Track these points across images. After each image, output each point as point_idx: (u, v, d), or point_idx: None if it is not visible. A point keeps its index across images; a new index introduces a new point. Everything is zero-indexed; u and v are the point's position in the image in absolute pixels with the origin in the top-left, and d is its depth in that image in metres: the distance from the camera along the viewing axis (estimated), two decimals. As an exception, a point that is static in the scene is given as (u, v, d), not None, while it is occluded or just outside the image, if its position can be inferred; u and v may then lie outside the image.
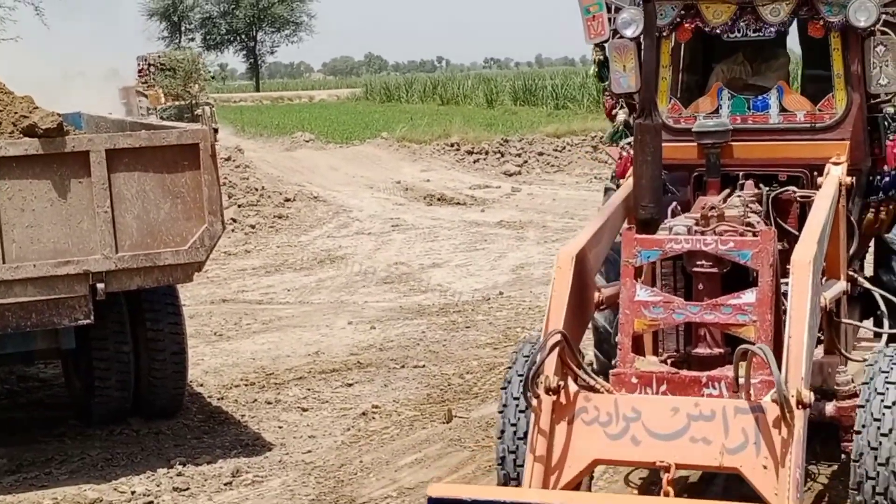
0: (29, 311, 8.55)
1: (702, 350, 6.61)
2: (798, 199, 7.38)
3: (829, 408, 6.77)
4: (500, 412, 6.88)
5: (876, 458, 5.99)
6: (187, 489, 8.45)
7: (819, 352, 7.12)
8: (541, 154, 29.95)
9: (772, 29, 7.77)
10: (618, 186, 8.04)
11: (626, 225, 7.08)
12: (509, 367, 7.02)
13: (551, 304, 6.37)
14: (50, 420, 10.28)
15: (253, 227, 21.28)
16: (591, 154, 28.06)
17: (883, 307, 7.71)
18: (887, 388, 6.13)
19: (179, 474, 8.69)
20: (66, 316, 8.70)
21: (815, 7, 7.56)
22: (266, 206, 22.73)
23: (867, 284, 7.94)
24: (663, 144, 6.97)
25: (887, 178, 8.21)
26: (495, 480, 6.99)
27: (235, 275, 17.34)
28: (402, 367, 11.56)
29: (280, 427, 9.86)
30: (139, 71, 37.91)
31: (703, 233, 6.54)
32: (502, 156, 29.94)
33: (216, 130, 9.16)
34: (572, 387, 6.09)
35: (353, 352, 12.31)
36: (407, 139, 32.71)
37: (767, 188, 7.49)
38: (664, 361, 6.63)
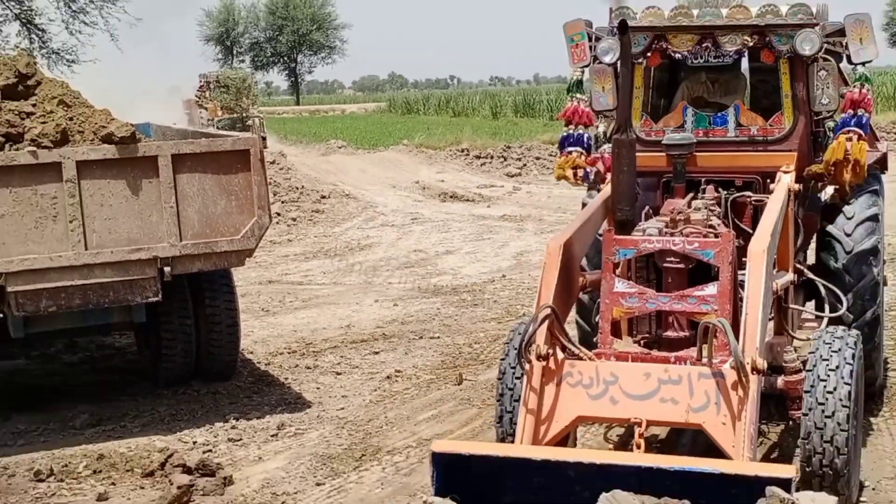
0: (107, 290, 8.59)
1: (671, 333, 6.68)
2: (752, 202, 7.41)
3: (779, 381, 6.80)
4: (499, 379, 6.96)
5: (822, 415, 6.05)
6: (240, 440, 8.52)
7: (769, 333, 7.16)
8: (538, 158, 29.93)
9: (729, 56, 7.79)
10: (598, 191, 8.06)
11: (605, 226, 7.13)
12: (507, 343, 7.08)
13: (542, 285, 6.43)
14: (124, 382, 10.35)
15: (294, 219, 21.35)
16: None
17: (824, 293, 7.74)
18: (828, 375, 6.16)
19: (233, 427, 8.79)
20: (138, 294, 8.73)
21: (767, 38, 7.58)
22: (305, 202, 22.76)
23: (811, 275, 7.93)
24: (636, 154, 7.01)
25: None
26: (495, 438, 7.08)
27: (279, 260, 17.39)
28: (421, 338, 11.62)
29: (317, 388, 9.93)
30: (199, 87, 37.87)
31: (671, 234, 6.61)
32: (505, 160, 29.92)
33: (264, 139, 9.14)
34: (559, 354, 6.18)
35: (379, 325, 12.36)
36: (424, 146, 32.67)
37: (726, 192, 7.52)
38: (638, 343, 6.72)
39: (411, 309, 13.18)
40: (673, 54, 7.82)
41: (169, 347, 9.85)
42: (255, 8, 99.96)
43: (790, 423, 7.12)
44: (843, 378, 6.10)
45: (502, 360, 6.98)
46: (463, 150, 31.54)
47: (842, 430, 5.97)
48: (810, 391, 6.11)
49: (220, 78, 38.81)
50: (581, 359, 6.29)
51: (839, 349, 6.27)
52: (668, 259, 6.60)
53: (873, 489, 6.84)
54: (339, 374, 10.40)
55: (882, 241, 8.18)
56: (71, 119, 8.81)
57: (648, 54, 7.83)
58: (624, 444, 7.75)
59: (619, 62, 7.51)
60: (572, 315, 7.82)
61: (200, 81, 38.69)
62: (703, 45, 7.72)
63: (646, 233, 6.67)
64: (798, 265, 7.84)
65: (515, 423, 6.14)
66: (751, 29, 7.59)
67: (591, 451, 6.42)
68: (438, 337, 11.61)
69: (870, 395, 8.00)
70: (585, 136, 8.27)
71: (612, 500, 4.67)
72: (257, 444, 8.42)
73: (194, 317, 9.83)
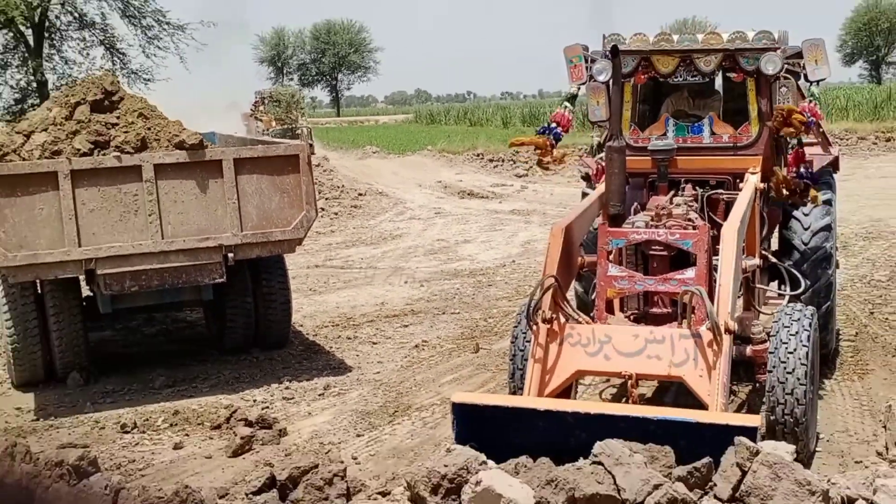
0: (180, 272, 8.65)
1: (656, 310, 6.77)
2: (724, 198, 7.44)
3: (748, 350, 6.84)
4: (512, 342, 7.05)
5: (784, 379, 6.08)
6: (292, 398, 8.58)
7: (739, 308, 7.19)
8: (542, 161, 29.90)
9: (705, 75, 7.78)
10: (593, 188, 8.10)
11: (599, 219, 7.17)
12: (518, 314, 7.14)
13: (547, 260, 6.53)
14: (194, 350, 10.41)
15: (336, 213, 21.38)
16: (578, 161, 27.91)
17: (785, 276, 7.76)
18: (789, 339, 6.21)
19: (287, 388, 8.84)
20: (206, 276, 8.77)
21: (736, 60, 7.57)
22: (345, 199, 22.78)
23: (774, 259, 7.97)
24: (626, 158, 7.05)
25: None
26: (507, 392, 7.15)
27: (324, 248, 17.42)
28: (443, 313, 11.62)
29: (357, 355, 9.97)
30: (255, 102, 37.91)
31: (656, 226, 6.65)
32: (514, 163, 29.82)
33: (312, 146, 9.16)
34: (562, 319, 6.27)
35: (408, 302, 12.37)
36: (445, 151, 32.66)
37: (702, 190, 7.54)
38: (628, 318, 6.77)
39: (435, 289, 13.18)
40: (657, 74, 7.83)
41: (232, 321, 9.94)
42: (301, 34, 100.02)
43: (757, 385, 7.15)
44: (801, 342, 6.17)
45: (515, 327, 7.08)
46: (478, 155, 31.52)
47: (801, 384, 6.03)
48: (774, 352, 6.18)
49: (273, 94, 38.85)
50: (580, 322, 6.41)
51: (798, 319, 6.34)
52: (653, 248, 6.68)
53: (827, 440, 6.86)
54: (374, 343, 10.43)
55: (834, 223, 8.27)
56: (149, 129, 8.86)
57: (636, 73, 7.83)
58: (617, 400, 7.79)
59: (611, 81, 7.57)
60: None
61: (256, 97, 38.76)
62: (683, 65, 7.70)
63: (634, 225, 6.73)
64: (763, 251, 7.87)
65: (524, 379, 6.22)
66: (723, 52, 7.58)
67: (587, 403, 6.47)
68: (458, 312, 11.62)
69: (824, 359, 8.03)
70: (557, 130, 8.22)
71: (605, 447, 4.70)
72: (307, 402, 8.48)
73: (253, 295, 9.89)
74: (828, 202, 8.19)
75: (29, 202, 8.13)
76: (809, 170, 7.89)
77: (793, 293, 7.49)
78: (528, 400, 5.89)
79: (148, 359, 10.15)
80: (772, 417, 6.11)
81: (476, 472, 4.83)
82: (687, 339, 5.92)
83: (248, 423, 7.57)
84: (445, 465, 4.89)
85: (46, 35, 24.33)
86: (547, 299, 6.23)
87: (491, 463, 4.99)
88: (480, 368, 9.16)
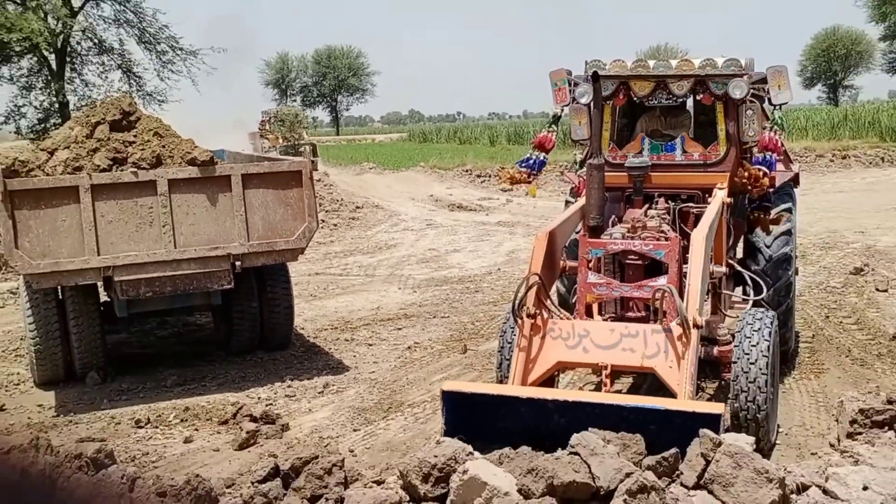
0: (191, 279, 8.66)
1: (631, 314, 6.87)
2: (694, 211, 7.49)
3: (715, 350, 6.92)
4: (501, 336, 7.12)
5: (747, 377, 6.14)
6: (294, 395, 8.60)
7: (707, 312, 7.25)
8: (526, 177, 29.93)
9: (678, 98, 7.83)
10: (575, 200, 8.16)
11: (581, 231, 7.24)
12: (507, 312, 7.18)
13: (532, 261, 6.61)
14: (204, 351, 10.40)
15: (335, 225, 21.37)
16: (559, 177, 27.93)
17: (749, 282, 7.83)
18: (752, 335, 6.28)
19: (289, 386, 8.85)
20: (215, 283, 8.79)
21: (707, 84, 7.62)
22: (343, 212, 22.78)
23: (738, 267, 8.04)
24: (605, 174, 7.11)
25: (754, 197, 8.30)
26: (495, 381, 7.18)
27: (324, 256, 17.42)
28: (434, 317, 11.65)
29: (354, 356, 9.97)
30: (262, 121, 37.91)
31: (632, 238, 6.72)
32: (501, 178, 29.89)
33: (313, 162, 9.17)
34: (545, 314, 6.35)
35: (402, 307, 12.38)
36: (436, 167, 32.70)
37: (674, 204, 7.59)
38: (605, 321, 6.83)
39: (427, 295, 13.20)
40: (634, 96, 7.88)
41: (239, 324, 9.96)
42: (304, 59, 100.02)
43: (723, 382, 7.22)
44: (763, 342, 6.25)
45: (504, 322, 7.14)
46: (467, 171, 31.56)
47: (762, 381, 6.12)
48: (738, 352, 6.26)
49: (278, 114, 38.91)
50: (561, 318, 6.49)
51: (760, 321, 6.42)
52: (629, 257, 6.76)
53: (786, 434, 6.91)
54: (370, 345, 10.44)
55: (794, 229, 8.40)
56: (163, 147, 8.88)
57: (615, 96, 7.89)
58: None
59: (592, 103, 7.63)
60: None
61: (263, 116, 38.78)
62: (658, 89, 7.75)
63: (612, 237, 6.80)
64: (729, 260, 7.93)
65: (510, 369, 6.30)
66: (694, 77, 7.63)
67: (566, 391, 6.50)
68: (448, 316, 11.64)
69: (784, 356, 8.10)
70: (540, 160, 8.32)
71: (581, 439, 4.74)
72: (308, 399, 8.50)
73: (259, 300, 9.91)
74: (788, 210, 8.32)
75: (52, 214, 8.15)
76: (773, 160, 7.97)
77: (756, 298, 7.55)
78: (512, 388, 5.96)
79: (160, 359, 10.15)
80: (735, 404, 6.18)
81: (463, 462, 4.86)
82: (658, 334, 5.99)
83: (254, 419, 7.59)
84: (435, 456, 4.93)
85: (68, 59, 24.33)
86: (531, 296, 6.31)
87: (477, 454, 5.03)
88: (468, 368, 9.19)
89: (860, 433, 6.08)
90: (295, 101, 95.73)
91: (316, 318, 11.85)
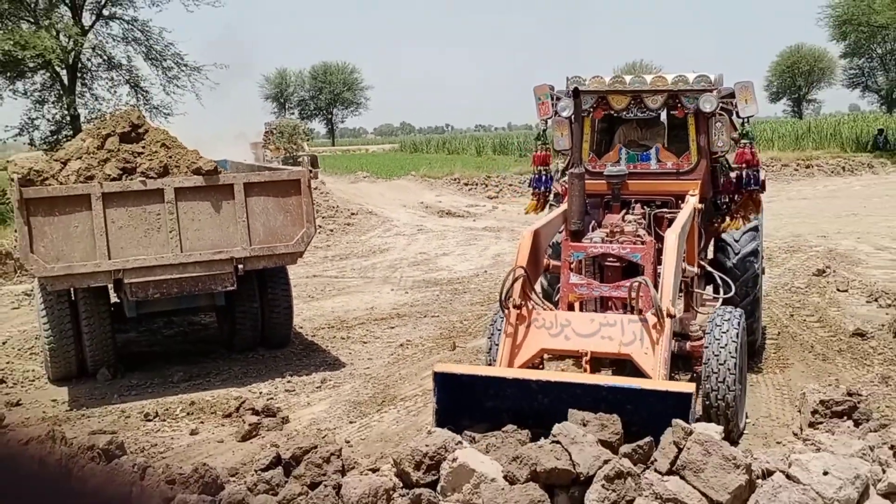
0: (196, 281, 8.66)
1: (610, 312, 6.87)
2: (668, 216, 7.55)
3: (687, 345, 6.96)
4: (490, 325, 7.14)
5: (716, 378, 6.20)
6: (293, 390, 8.60)
7: (679, 310, 7.30)
8: (510, 185, 29.90)
9: (652, 111, 7.89)
10: (559, 205, 8.21)
11: (563, 235, 7.28)
12: (496, 312, 7.22)
13: (518, 256, 6.66)
14: (208, 349, 10.41)
15: (331, 230, 21.31)
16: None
17: (719, 282, 7.89)
18: (722, 330, 6.34)
19: (289, 381, 8.85)
20: (219, 285, 8.78)
21: (679, 99, 7.69)
22: (339, 218, 22.73)
23: (709, 268, 8.09)
24: (585, 182, 7.15)
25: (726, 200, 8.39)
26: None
27: (321, 260, 17.41)
28: (425, 316, 11.66)
29: (350, 353, 9.98)
30: (264, 133, 37.81)
31: (611, 241, 6.77)
32: (486, 186, 29.89)
33: (310, 170, 9.15)
34: (530, 305, 6.40)
35: (395, 307, 12.39)
36: (427, 176, 32.65)
37: (649, 209, 7.65)
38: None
39: (418, 296, 13.22)
40: (612, 110, 7.94)
41: (241, 323, 9.95)
42: (301, 74, 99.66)
43: (694, 374, 7.26)
44: (731, 338, 6.30)
45: (495, 313, 7.16)
46: (455, 179, 31.53)
47: (731, 373, 6.18)
48: (708, 347, 6.31)
49: (278, 126, 38.83)
50: (545, 309, 6.53)
51: (729, 318, 6.46)
52: (608, 259, 6.82)
53: (753, 424, 6.96)
54: (365, 343, 10.45)
55: (761, 227, 8.51)
56: (170, 157, 8.87)
57: (594, 110, 7.94)
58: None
59: (573, 116, 7.69)
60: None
61: (265, 128, 38.71)
62: (634, 103, 7.81)
63: (592, 241, 6.85)
64: (700, 261, 8.00)
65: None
66: (667, 92, 7.69)
67: (549, 372, 6.54)
68: (438, 316, 11.66)
69: (751, 354, 8.16)
70: (546, 175, 8.47)
71: (563, 429, 4.78)
72: (306, 394, 8.51)
73: (260, 301, 9.91)
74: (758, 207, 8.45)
75: (65, 220, 8.15)
76: (756, 175, 8.09)
77: (725, 296, 7.61)
78: (499, 370, 6.03)
79: (167, 357, 10.15)
80: (707, 401, 6.23)
81: (453, 451, 4.90)
82: (635, 323, 6.04)
83: (255, 412, 7.59)
84: (427, 445, 4.96)
85: (79, 75, 24.22)
86: (517, 288, 6.36)
87: (465, 442, 5.07)
88: (457, 364, 9.20)
89: (821, 423, 6.15)
90: (293, 113, 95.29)
91: (314, 318, 11.86)
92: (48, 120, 24.59)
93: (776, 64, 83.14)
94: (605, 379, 5.62)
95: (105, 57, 24.90)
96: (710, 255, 8.53)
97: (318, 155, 38.05)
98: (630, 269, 6.80)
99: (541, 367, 6.85)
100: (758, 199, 8.25)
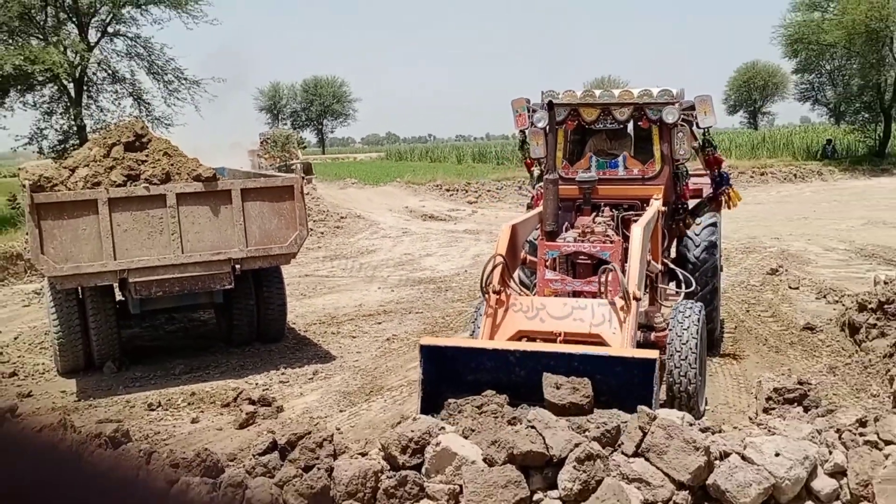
0: (196, 280, 8.66)
1: None
2: (634, 219, 7.61)
3: (652, 335, 7.01)
4: (475, 311, 7.16)
5: (679, 357, 6.27)
6: (287, 381, 8.60)
7: (645, 303, 7.36)
8: (488, 191, 29.91)
9: (620, 122, 7.96)
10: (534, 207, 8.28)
11: (539, 235, 7.33)
12: (476, 309, 7.24)
13: (498, 245, 6.73)
14: (207, 343, 10.40)
15: (322, 233, 21.26)
16: (518, 191, 28.08)
17: (681, 277, 7.97)
18: (682, 331, 6.40)
19: (283, 373, 8.85)
20: (217, 283, 8.79)
21: (644, 111, 7.76)
22: (329, 221, 22.68)
23: (672, 265, 8.18)
24: (559, 188, 7.21)
25: (685, 204, 8.50)
26: None
27: (312, 260, 17.38)
28: (409, 312, 11.67)
29: (340, 347, 9.99)
30: (261, 142, 37.60)
31: (582, 241, 6.82)
32: (466, 192, 29.84)
33: (310, 179, 9.10)
34: (508, 291, 6.46)
35: (381, 304, 12.40)
36: (411, 182, 32.57)
37: (617, 212, 7.72)
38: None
39: (403, 293, 13.24)
40: (583, 121, 7.99)
41: (238, 319, 9.94)
42: (294, 87, 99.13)
43: (660, 363, 7.33)
44: (692, 330, 6.37)
45: (475, 310, 7.20)
46: (438, 185, 31.46)
47: (692, 363, 6.23)
48: (671, 338, 6.38)
49: (272, 136, 38.65)
50: (521, 294, 6.64)
51: (690, 311, 6.53)
52: (580, 257, 6.85)
53: (712, 410, 7.02)
54: (354, 337, 10.46)
55: (720, 224, 8.61)
56: (172, 164, 8.87)
57: (567, 121, 8.00)
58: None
59: (547, 127, 7.74)
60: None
61: (261, 138, 38.52)
62: (603, 115, 7.88)
63: (565, 240, 6.90)
64: (664, 259, 8.07)
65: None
66: (633, 105, 7.76)
67: (525, 343, 6.61)
68: (422, 312, 11.67)
69: (711, 345, 8.23)
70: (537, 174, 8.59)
71: (537, 414, 4.81)
72: (299, 385, 8.52)
73: (256, 298, 9.90)
74: (714, 218, 8.54)
75: (74, 224, 8.12)
76: (726, 174, 8.24)
77: (687, 291, 7.70)
78: (480, 342, 6.09)
79: (169, 351, 10.12)
80: (670, 385, 6.29)
81: (436, 436, 4.92)
82: (604, 306, 6.11)
83: (252, 402, 7.60)
84: (412, 431, 4.98)
85: (85, 88, 24.03)
86: (496, 275, 6.42)
87: (448, 427, 5.09)
88: (439, 356, 9.22)
89: (774, 409, 6.21)
90: (286, 124, 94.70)
91: (306, 314, 11.85)
92: (56, 130, 24.39)
93: (733, 79, 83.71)
94: (577, 348, 5.68)
95: (110, 71, 24.72)
96: (673, 254, 8.61)
97: (310, 162, 37.80)
98: (599, 266, 6.86)
99: None
100: (719, 202, 8.42)
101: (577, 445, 4.57)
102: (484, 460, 4.74)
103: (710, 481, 4.62)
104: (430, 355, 5.79)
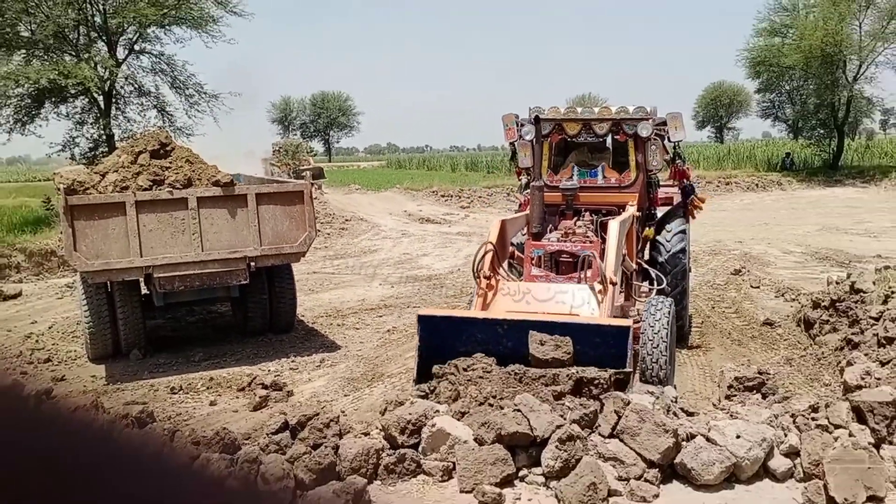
0: (215, 276, 8.65)
1: None
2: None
3: None
4: (469, 300, 7.18)
5: (651, 357, 6.30)
6: (297, 369, 8.59)
7: (621, 299, 7.40)
8: (480, 197, 29.89)
9: (599, 136, 8.00)
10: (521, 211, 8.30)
11: (526, 236, 7.37)
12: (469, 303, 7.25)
13: (490, 235, 6.76)
14: (225, 333, 10.39)
15: (328, 234, 21.20)
16: (506, 198, 28.10)
17: (653, 276, 8.01)
18: (654, 323, 6.43)
19: (293, 361, 8.84)
20: (234, 279, 8.77)
21: (621, 126, 7.80)
22: (335, 223, 22.62)
23: (644, 265, 8.22)
24: (544, 194, 7.26)
25: (656, 210, 8.56)
26: None
27: (320, 259, 17.34)
28: (408, 306, 11.64)
29: (344, 337, 9.98)
30: (274, 151, 37.51)
31: (565, 241, 6.86)
32: (460, 198, 29.82)
33: (321, 186, 9.07)
34: (497, 277, 6.49)
35: (382, 299, 12.39)
36: (410, 188, 32.51)
37: (597, 216, 7.76)
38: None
39: (402, 289, 13.23)
40: (566, 135, 8.03)
41: (253, 312, 9.94)
42: (303, 101, 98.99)
43: (633, 351, 7.35)
44: (663, 324, 6.38)
45: (468, 303, 7.21)
46: (434, 192, 31.41)
47: (662, 353, 6.26)
48: (644, 329, 6.40)
49: (284, 145, 38.59)
50: (508, 280, 6.67)
51: (661, 307, 6.55)
52: (562, 255, 6.90)
53: (681, 397, 7.01)
54: (357, 329, 10.45)
55: (688, 231, 8.61)
56: (193, 171, 8.85)
57: (552, 134, 8.03)
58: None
59: (534, 139, 7.78)
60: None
61: (274, 147, 38.46)
62: (584, 129, 7.92)
63: (550, 240, 6.95)
64: (638, 260, 8.11)
65: None
66: (611, 120, 7.81)
67: (512, 313, 6.65)
68: (419, 306, 11.51)
69: (680, 338, 8.27)
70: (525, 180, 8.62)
71: (523, 399, 4.84)
72: (308, 371, 8.52)
73: (269, 293, 9.89)
74: (684, 225, 8.55)
75: (104, 224, 8.12)
76: (690, 183, 8.33)
77: (658, 288, 7.74)
78: (471, 313, 6.15)
79: (190, 340, 10.11)
80: (643, 371, 6.31)
81: (432, 418, 4.96)
82: (584, 290, 6.16)
83: (265, 387, 7.61)
84: (410, 413, 5.02)
85: (113, 100, 23.97)
86: (487, 261, 6.45)
87: (442, 409, 5.13)
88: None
89: (735, 395, 6.27)
90: (295, 134, 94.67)
91: (314, 308, 11.84)
92: (87, 138, 24.31)
93: (702, 97, 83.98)
94: (559, 317, 5.74)
95: (136, 85, 24.65)
96: (647, 255, 8.66)
97: (321, 167, 37.73)
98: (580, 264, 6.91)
99: None
100: (691, 208, 8.45)
101: (558, 427, 4.62)
102: (475, 440, 4.78)
103: (677, 460, 4.67)
104: (427, 325, 5.83)
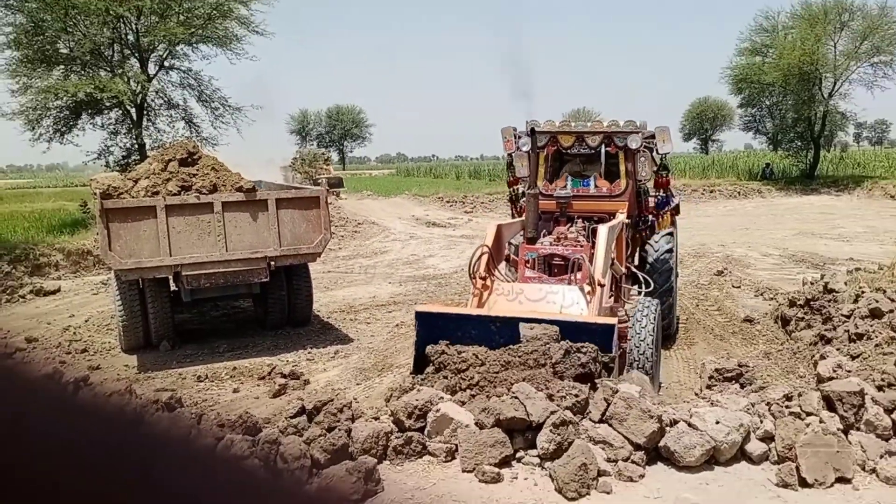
0: (238, 274, 8.68)
1: None
2: None
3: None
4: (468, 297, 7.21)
5: (638, 351, 6.31)
6: (313, 360, 8.61)
7: (611, 301, 7.43)
8: (482, 203, 29.91)
9: (592, 148, 8.01)
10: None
11: (522, 240, 7.39)
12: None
13: (486, 238, 6.76)
14: (247, 327, 10.40)
15: (342, 236, 21.18)
16: (507, 203, 28.09)
17: (642, 280, 8.03)
18: (641, 318, 6.44)
19: (309, 352, 8.86)
20: (255, 277, 8.80)
21: (612, 138, 7.81)
22: (348, 227, 22.62)
23: (634, 269, 8.23)
24: (539, 202, 7.28)
25: (649, 217, 8.55)
26: None
27: (334, 259, 17.36)
28: (415, 303, 11.50)
29: (356, 331, 10.00)
30: (292, 160, 37.50)
31: (557, 245, 6.87)
32: (464, 203, 29.84)
33: (329, 189, 9.06)
34: (492, 278, 6.49)
35: (391, 296, 12.41)
36: (417, 195, 32.55)
37: (589, 223, 7.77)
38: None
39: (410, 288, 13.24)
40: (560, 146, 8.04)
41: (272, 307, 9.97)
42: (319, 114, 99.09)
43: (621, 351, 7.37)
44: (650, 323, 6.39)
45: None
46: (440, 198, 31.43)
47: (649, 349, 6.26)
48: (633, 328, 6.41)
49: (302, 154, 38.59)
50: (503, 281, 6.70)
51: (648, 307, 6.56)
52: (555, 258, 6.91)
53: (666, 387, 7.05)
54: (368, 323, 10.48)
55: (676, 235, 8.68)
56: (218, 177, 8.89)
57: (547, 146, 8.04)
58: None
59: (530, 150, 7.80)
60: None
61: (295, 156, 38.47)
62: (578, 141, 7.93)
63: (543, 244, 6.96)
64: (627, 264, 8.12)
65: None
66: (603, 133, 7.82)
67: (504, 310, 6.65)
68: (426, 303, 11.66)
69: (667, 338, 8.27)
70: (516, 191, 8.63)
71: (520, 387, 4.87)
72: (323, 362, 8.55)
73: (287, 290, 9.92)
74: (670, 232, 8.55)
75: (136, 226, 8.18)
76: (665, 196, 8.29)
77: (646, 290, 7.77)
78: (466, 310, 6.14)
79: (215, 332, 10.15)
80: (631, 367, 6.33)
81: (437, 404, 4.99)
82: (574, 291, 6.16)
83: (284, 376, 7.66)
84: (417, 399, 5.05)
85: (145, 112, 24.06)
86: (482, 262, 6.46)
87: (446, 397, 5.16)
88: (440, 340, 9.24)
89: (715, 385, 6.28)
90: (312, 144, 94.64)
91: (329, 304, 11.86)
92: (120, 147, 24.40)
93: (688, 111, 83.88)
94: (548, 315, 5.75)
95: (166, 98, 24.73)
96: (636, 262, 8.66)
97: (341, 177, 37.69)
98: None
99: None
100: (671, 216, 8.47)
101: (552, 413, 4.64)
102: (476, 424, 4.81)
103: (662, 444, 4.69)
104: (424, 320, 5.85)
